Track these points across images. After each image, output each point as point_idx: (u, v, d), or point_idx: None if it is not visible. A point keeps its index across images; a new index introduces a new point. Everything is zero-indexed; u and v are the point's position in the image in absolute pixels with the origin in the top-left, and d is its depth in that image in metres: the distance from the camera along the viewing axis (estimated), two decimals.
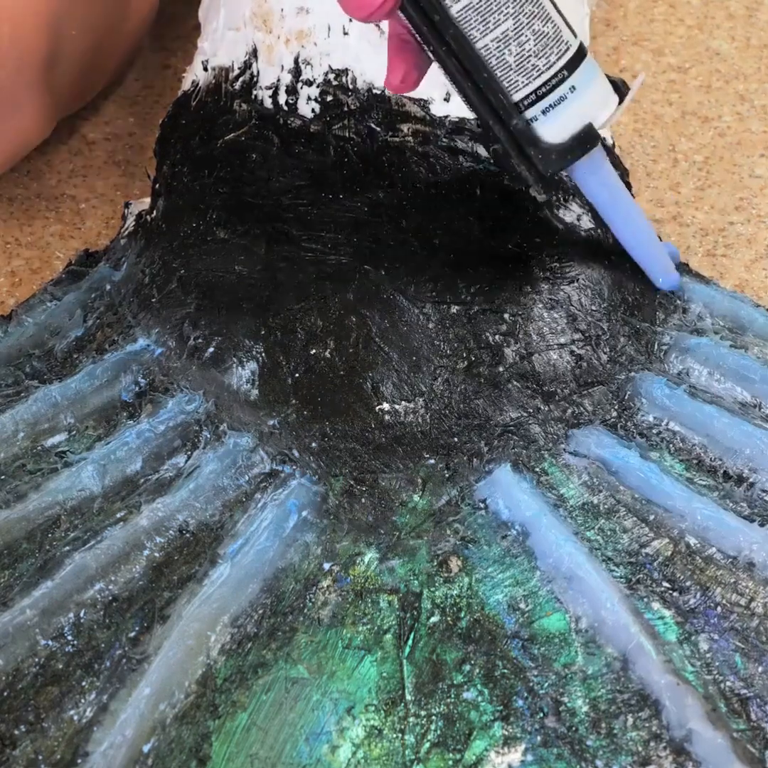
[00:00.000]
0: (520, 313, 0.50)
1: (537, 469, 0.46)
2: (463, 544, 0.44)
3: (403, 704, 0.40)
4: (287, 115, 0.51)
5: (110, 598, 0.42)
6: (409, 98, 0.51)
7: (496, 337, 0.49)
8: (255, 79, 0.52)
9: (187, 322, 0.50)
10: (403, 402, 0.48)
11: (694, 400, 0.47)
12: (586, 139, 0.44)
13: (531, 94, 0.43)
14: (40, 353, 0.51)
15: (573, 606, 0.42)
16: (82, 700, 0.40)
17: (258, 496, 0.45)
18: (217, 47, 0.54)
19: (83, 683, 0.40)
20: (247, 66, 0.53)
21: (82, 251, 0.55)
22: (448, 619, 0.42)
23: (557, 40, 0.43)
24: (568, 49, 0.43)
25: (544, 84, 0.43)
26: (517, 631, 0.41)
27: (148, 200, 0.55)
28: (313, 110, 0.51)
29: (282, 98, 0.51)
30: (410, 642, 0.41)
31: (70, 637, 0.41)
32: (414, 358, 0.48)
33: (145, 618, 0.42)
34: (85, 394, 0.49)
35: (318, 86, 0.51)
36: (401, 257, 0.49)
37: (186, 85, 0.55)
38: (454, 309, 0.49)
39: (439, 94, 0.51)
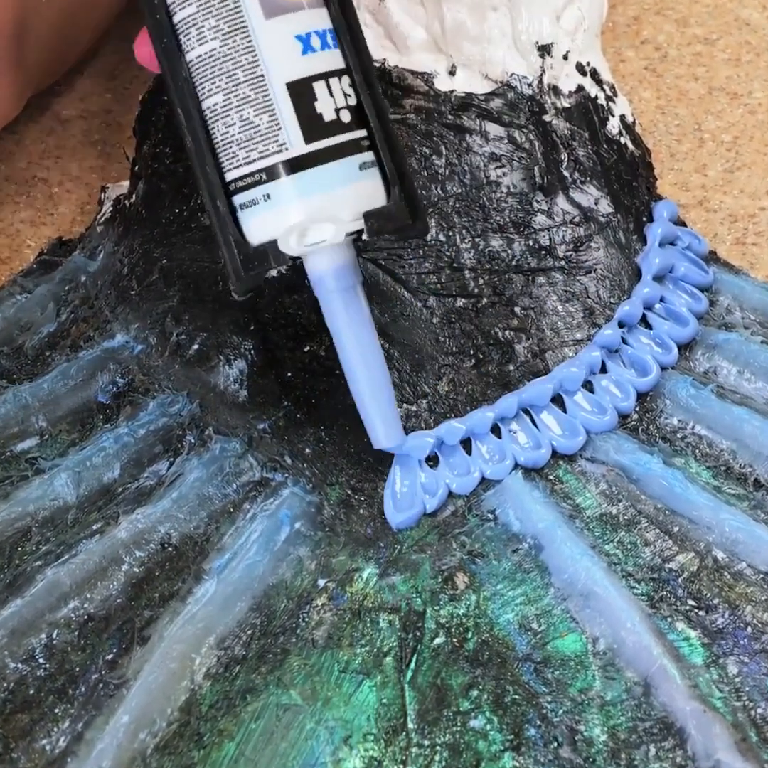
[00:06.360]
0: (532, 306, 0.50)
1: (550, 477, 0.46)
2: (470, 558, 0.44)
3: (404, 733, 0.40)
4: None
5: (85, 617, 0.42)
6: (412, 72, 0.50)
7: (506, 332, 0.49)
8: None
9: (169, 316, 0.50)
10: (404, 404, 0.47)
11: (722, 401, 0.47)
12: (267, 256, 0.42)
13: (237, 180, 0.42)
14: (9, 350, 0.51)
15: (590, 626, 0.42)
16: (55, 729, 0.40)
17: (247, 507, 0.45)
18: None
19: (56, 710, 0.40)
20: None
21: (54, 239, 0.55)
22: (454, 640, 0.42)
23: (267, 137, 0.41)
24: (278, 152, 0.42)
25: (243, 177, 0.42)
26: (529, 654, 0.41)
27: (126, 184, 0.55)
28: None
29: None
30: (413, 665, 0.41)
31: (41, 660, 0.41)
32: (416, 356, 0.48)
33: (123, 639, 0.42)
34: (58, 395, 0.49)
35: None
36: (402, 245, 0.49)
37: None
38: (460, 302, 0.49)
39: (443, 68, 0.51)
